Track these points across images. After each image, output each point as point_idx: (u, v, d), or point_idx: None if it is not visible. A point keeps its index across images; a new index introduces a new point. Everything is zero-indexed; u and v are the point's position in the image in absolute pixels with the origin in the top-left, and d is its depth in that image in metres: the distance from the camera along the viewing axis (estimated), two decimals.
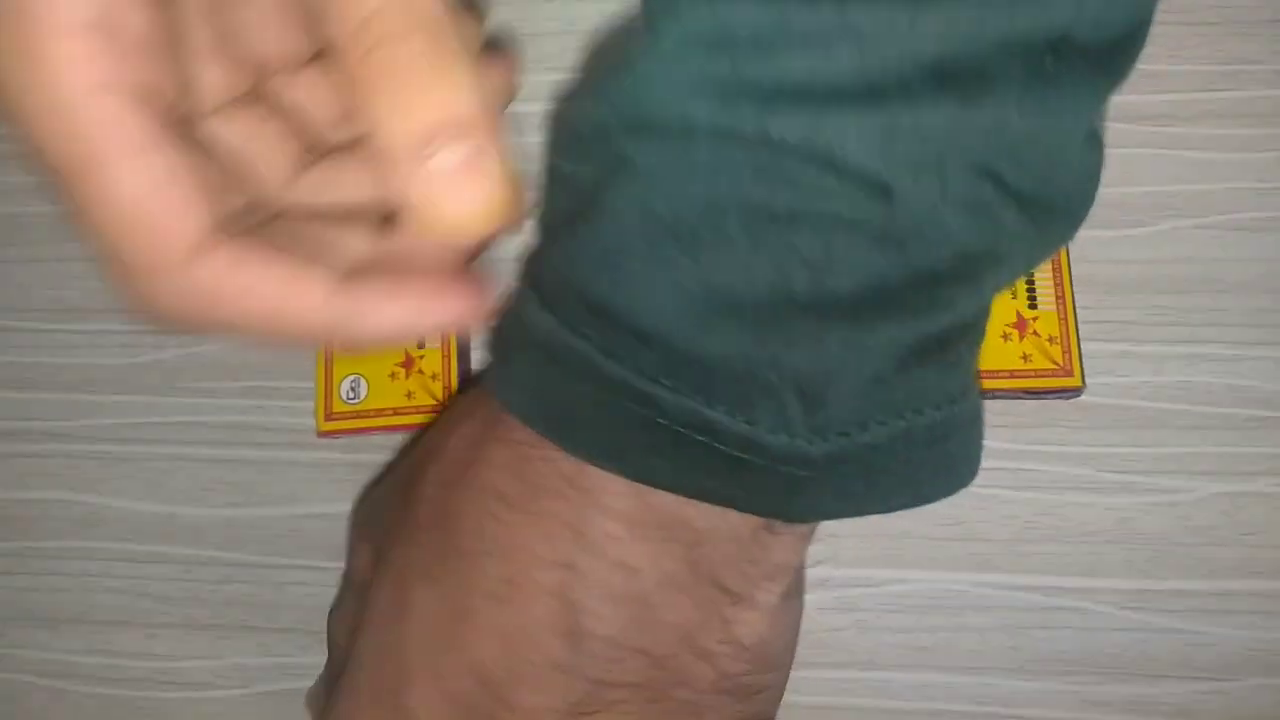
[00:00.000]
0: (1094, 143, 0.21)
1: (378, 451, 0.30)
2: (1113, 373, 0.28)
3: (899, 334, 0.20)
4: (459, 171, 0.18)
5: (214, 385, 0.31)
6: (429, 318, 0.21)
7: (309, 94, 0.24)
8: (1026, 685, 0.27)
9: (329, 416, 0.28)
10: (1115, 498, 0.28)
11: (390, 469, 0.26)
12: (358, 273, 0.21)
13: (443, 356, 0.28)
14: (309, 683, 0.30)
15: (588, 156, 0.21)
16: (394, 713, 0.22)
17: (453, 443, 0.23)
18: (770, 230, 0.19)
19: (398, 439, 0.30)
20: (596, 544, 0.21)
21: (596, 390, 0.21)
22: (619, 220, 0.20)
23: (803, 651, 0.28)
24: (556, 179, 0.23)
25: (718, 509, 0.21)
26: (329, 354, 0.29)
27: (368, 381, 0.28)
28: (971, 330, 0.22)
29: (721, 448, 0.20)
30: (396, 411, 0.28)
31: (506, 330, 0.23)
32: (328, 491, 0.30)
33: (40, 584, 0.31)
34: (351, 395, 0.28)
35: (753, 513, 0.21)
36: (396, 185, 0.18)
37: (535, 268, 0.23)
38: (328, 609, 0.29)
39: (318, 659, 0.29)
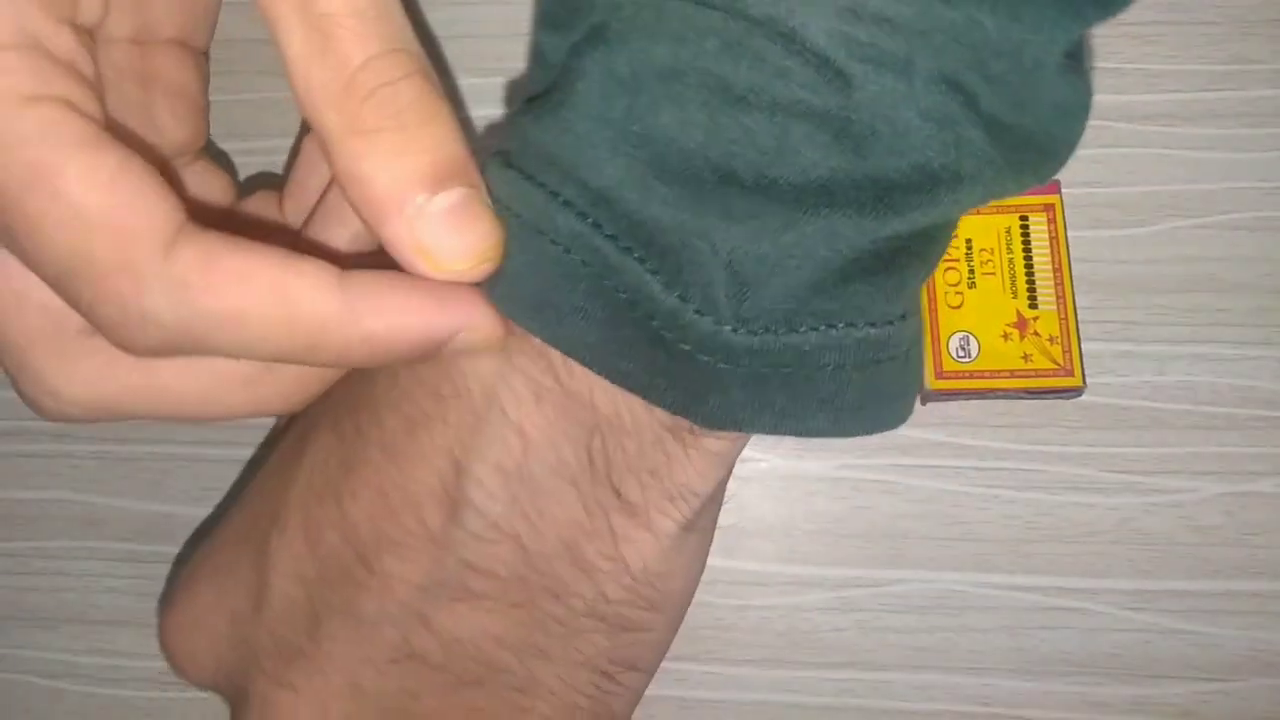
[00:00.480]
0: (1075, 76, 0.20)
1: None
2: (1115, 373, 0.28)
3: (843, 229, 0.19)
4: (454, 215, 0.18)
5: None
6: (441, 319, 0.19)
7: (198, 181, 0.24)
8: (1028, 686, 0.27)
9: None
10: (1118, 498, 0.28)
11: None
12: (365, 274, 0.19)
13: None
14: None
15: (570, 26, 0.20)
16: (256, 554, 0.22)
17: None
18: (726, 106, 0.18)
19: None
20: (500, 406, 0.20)
21: (541, 240, 0.19)
22: (584, 79, 0.19)
23: (804, 652, 0.28)
24: (536, 57, 0.21)
25: (627, 397, 0.20)
26: None
27: None
28: (920, 251, 0.20)
29: (652, 322, 0.19)
30: None
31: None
32: None
33: (41, 584, 0.31)
34: None
35: (664, 407, 0.19)
36: (388, 233, 0.18)
37: (504, 136, 0.21)
38: None
39: None
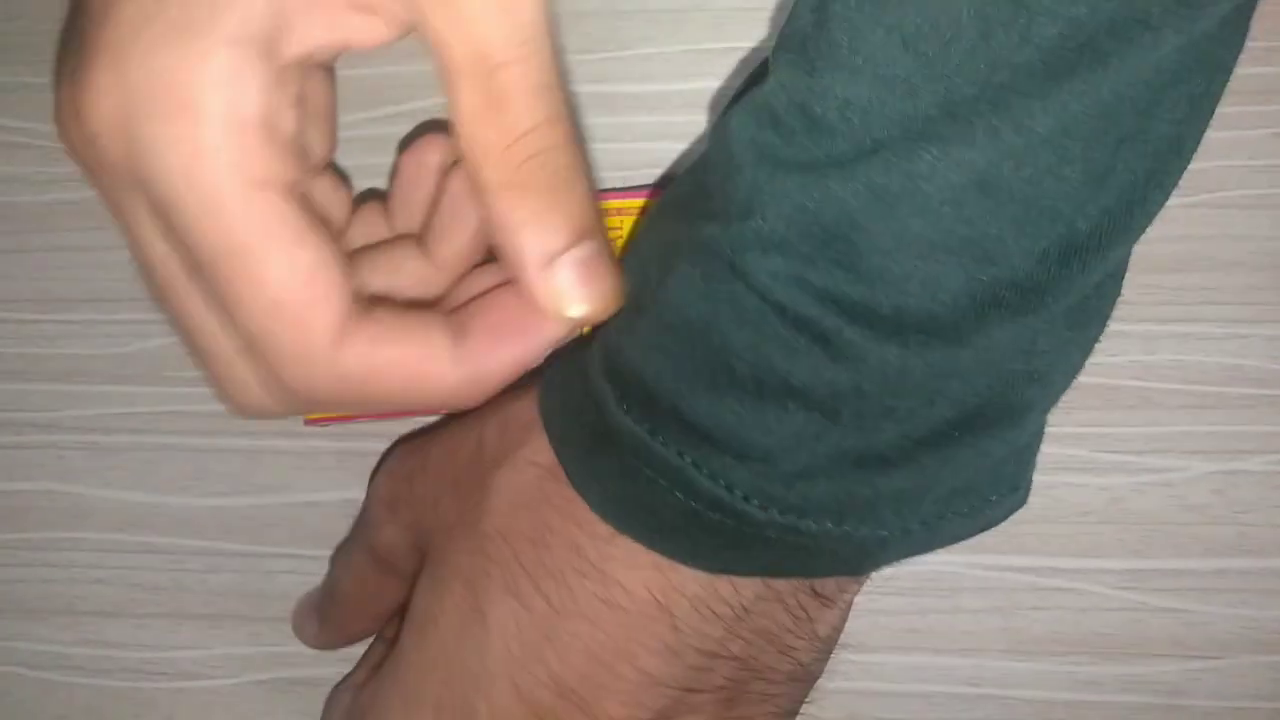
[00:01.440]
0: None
1: (365, 439, 0.30)
2: (1104, 352, 0.28)
3: (990, 448, 0.21)
4: (585, 268, 0.21)
5: (200, 374, 0.30)
6: (533, 354, 0.23)
7: (325, 195, 0.26)
8: (1020, 666, 0.27)
9: None
10: (1108, 478, 0.28)
11: (421, 448, 0.26)
12: (460, 326, 0.23)
13: None
14: (299, 671, 0.30)
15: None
16: None
17: (523, 464, 0.23)
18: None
19: (387, 426, 0.29)
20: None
21: (686, 501, 0.21)
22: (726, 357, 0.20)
23: None
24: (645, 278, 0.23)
25: None
26: None
27: None
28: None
29: (816, 551, 0.21)
30: None
31: (575, 406, 0.23)
32: (316, 480, 0.30)
33: (29, 575, 0.30)
34: None
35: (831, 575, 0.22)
36: (527, 278, 0.21)
37: (615, 359, 0.22)
38: None
39: (308, 648, 0.29)
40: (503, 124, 0.20)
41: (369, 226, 0.27)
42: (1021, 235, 0.18)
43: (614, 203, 0.27)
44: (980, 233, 0.18)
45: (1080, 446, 0.28)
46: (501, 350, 0.22)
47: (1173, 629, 0.27)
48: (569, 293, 0.21)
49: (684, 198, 0.23)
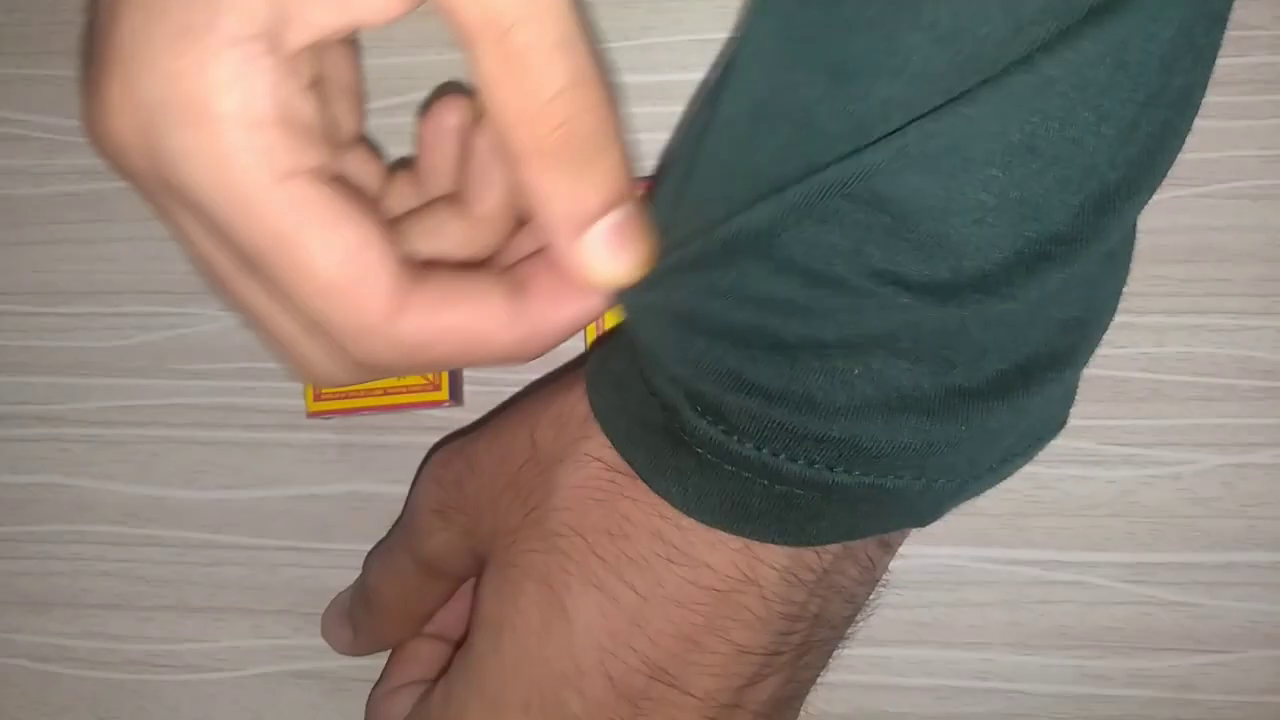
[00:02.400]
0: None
1: (368, 432, 0.29)
2: (1113, 344, 0.28)
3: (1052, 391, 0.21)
4: (615, 233, 0.21)
5: (204, 367, 0.30)
6: (591, 312, 0.23)
7: (359, 167, 0.26)
8: (1027, 660, 0.27)
9: (318, 397, 0.28)
10: (1116, 471, 0.27)
11: (465, 452, 0.26)
12: (516, 285, 0.23)
13: None
14: (303, 664, 0.30)
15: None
16: (552, 716, 0.22)
17: (587, 459, 0.23)
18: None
19: (390, 419, 0.29)
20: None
21: (772, 486, 0.21)
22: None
23: None
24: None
25: None
26: None
27: None
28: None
29: (896, 507, 0.21)
30: (386, 391, 0.28)
31: (638, 407, 0.23)
32: (319, 473, 0.30)
33: (33, 568, 0.30)
34: None
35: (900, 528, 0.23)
36: (559, 244, 0.21)
37: (677, 361, 0.22)
38: (321, 591, 0.29)
39: (312, 641, 0.29)
40: (525, 88, 0.20)
41: (403, 195, 0.27)
42: (1064, 192, 0.19)
43: None
44: (1029, 193, 0.19)
45: (1088, 439, 0.28)
46: (559, 309, 0.23)
47: (1181, 623, 0.27)
48: (601, 261, 0.21)
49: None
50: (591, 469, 0.23)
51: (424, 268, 0.22)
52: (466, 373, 0.29)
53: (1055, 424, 0.23)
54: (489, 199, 0.25)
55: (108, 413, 0.31)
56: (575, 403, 0.24)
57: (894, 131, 0.19)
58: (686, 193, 0.23)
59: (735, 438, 0.21)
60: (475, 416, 0.29)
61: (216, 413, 0.30)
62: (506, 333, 0.22)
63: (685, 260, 0.21)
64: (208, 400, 0.30)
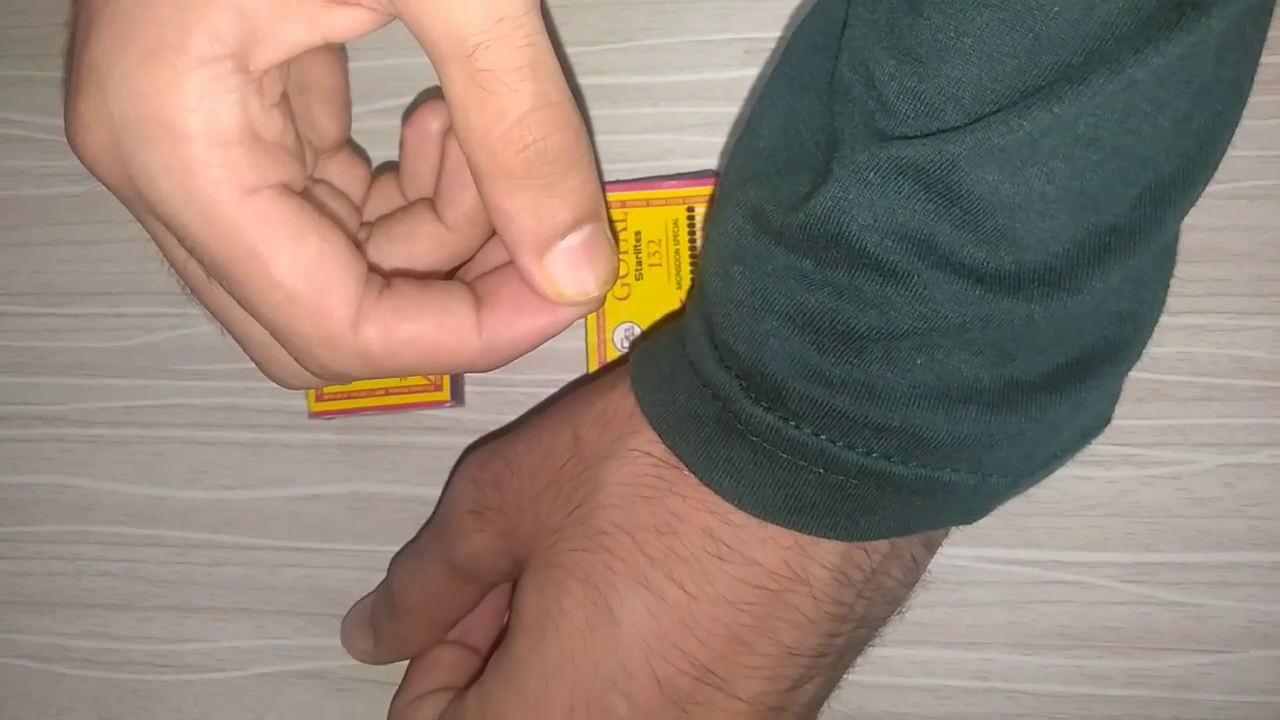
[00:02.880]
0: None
1: (369, 432, 0.30)
2: None
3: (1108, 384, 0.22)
4: (581, 251, 0.22)
5: (206, 368, 0.30)
6: (554, 328, 0.23)
7: (342, 172, 0.26)
8: (1027, 660, 0.27)
9: (320, 397, 0.28)
10: (1116, 470, 0.27)
11: (502, 453, 0.25)
12: (482, 295, 0.23)
13: None
14: (305, 664, 0.30)
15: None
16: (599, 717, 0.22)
17: (633, 455, 0.23)
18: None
19: (391, 419, 0.29)
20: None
21: (829, 475, 0.21)
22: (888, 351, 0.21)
23: None
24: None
25: None
26: None
27: None
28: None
29: (947, 502, 0.21)
30: (388, 391, 0.28)
31: (687, 399, 0.22)
32: (321, 473, 0.30)
33: (35, 568, 0.31)
34: None
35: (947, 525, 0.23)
36: (523, 264, 0.22)
37: (727, 349, 0.22)
38: (322, 591, 0.29)
39: (313, 641, 0.29)
40: (491, 110, 0.20)
41: (388, 197, 0.27)
42: (1122, 183, 0.19)
43: (618, 195, 0.27)
44: (1089, 185, 0.19)
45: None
46: (522, 323, 0.23)
47: (1181, 623, 0.27)
48: (565, 280, 0.22)
49: (761, 181, 0.22)
50: (638, 465, 0.23)
51: (389, 279, 0.23)
52: (468, 374, 0.30)
53: (1104, 420, 0.23)
54: (460, 206, 0.25)
55: (110, 413, 0.31)
56: (619, 400, 0.24)
57: (975, 121, 0.19)
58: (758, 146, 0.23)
59: (793, 423, 0.21)
60: (476, 416, 0.29)
61: (218, 413, 0.30)
62: (468, 344, 0.23)
63: (762, 229, 0.21)
64: (209, 401, 0.30)
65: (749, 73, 0.29)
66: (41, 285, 0.31)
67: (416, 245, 0.25)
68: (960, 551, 0.28)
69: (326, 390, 0.28)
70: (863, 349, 0.20)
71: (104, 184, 0.22)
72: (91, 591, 0.30)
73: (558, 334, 0.23)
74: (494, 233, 0.26)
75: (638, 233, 0.27)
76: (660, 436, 0.22)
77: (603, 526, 0.22)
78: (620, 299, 0.27)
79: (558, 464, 0.24)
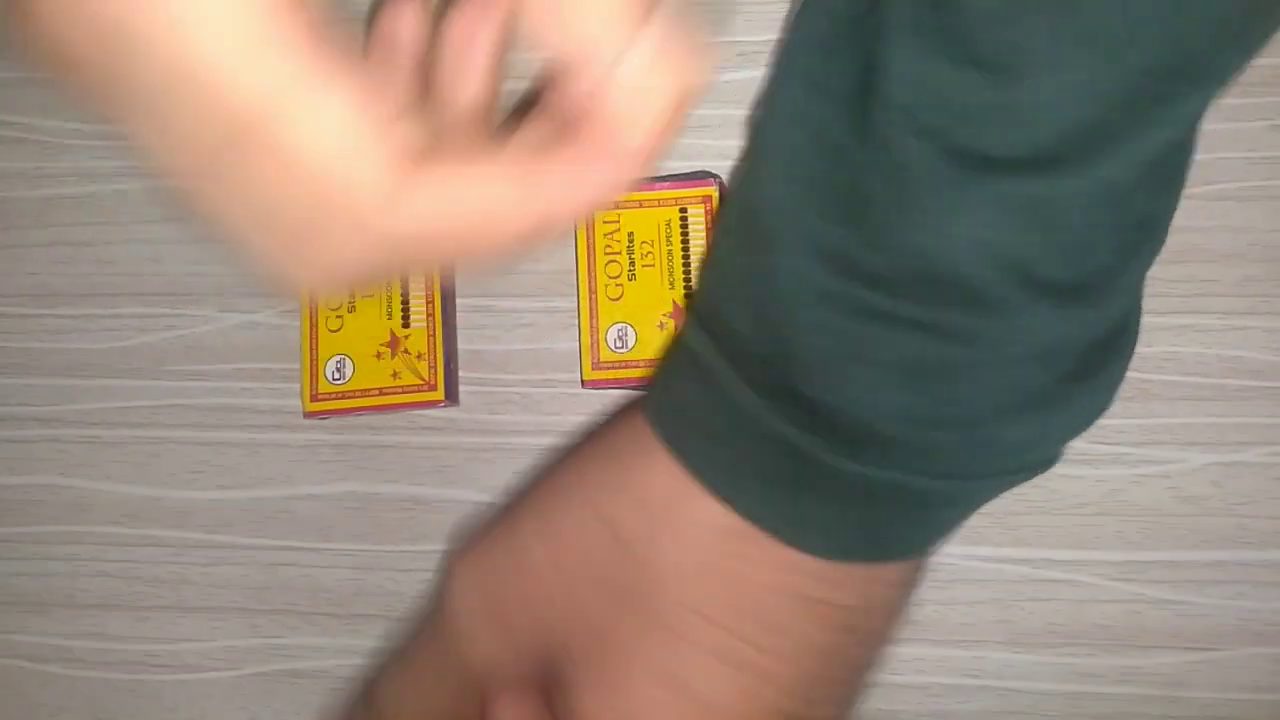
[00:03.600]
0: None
1: (365, 432, 0.30)
2: None
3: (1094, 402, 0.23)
4: (658, 55, 0.18)
5: (201, 368, 0.30)
6: (611, 187, 0.20)
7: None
8: (1018, 658, 0.27)
9: (315, 397, 0.28)
10: (1106, 469, 0.28)
11: (510, 547, 0.24)
12: (529, 164, 0.20)
13: (428, 336, 0.28)
14: (300, 664, 0.30)
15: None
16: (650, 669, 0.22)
17: (693, 531, 0.22)
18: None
19: (387, 419, 0.30)
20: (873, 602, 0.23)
21: (908, 511, 0.22)
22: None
23: None
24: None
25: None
26: (314, 335, 0.28)
27: (353, 362, 0.28)
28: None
29: (946, 511, 0.23)
30: (382, 391, 0.28)
31: (758, 462, 0.22)
32: (316, 473, 0.30)
33: (30, 568, 0.31)
34: (337, 376, 0.28)
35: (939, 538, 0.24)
36: (605, 82, 0.18)
37: (793, 408, 0.22)
38: (318, 590, 0.29)
39: (308, 640, 0.29)
40: None
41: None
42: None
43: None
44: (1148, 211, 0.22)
45: (1078, 438, 0.28)
46: (575, 187, 0.20)
47: (1171, 621, 0.27)
48: (649, 79, 0.19)
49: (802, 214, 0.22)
50: (703, 539, 0.22)
51: (424, 149, 0.19)
52: (462, 373, 0.30)
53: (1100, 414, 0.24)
54: (471, 86, 0.22)
55: (106, 414, 0.31)
56: (655, 480, 0.23)
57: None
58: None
59: (885, 467, 0.21)
60: (470, 416, 0.29)
61: (214, 413, 0.30)
62: (514, 219, 0.19)
63: (840, 270, 0.21)
64: (205, 401, 0.30)
65: (742, 75, 0.29)
66: (37, 286, 0.31)
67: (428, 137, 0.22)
68: (951, 550, 0.28)
69: (321, 390, 0.28)
70: (954, 379, 0.21)
71: (62, 65, 0.17)
72: (87, 591, 0.30)
73: (611, 200, 0.20)
74: (517, 118, 0.22)
75: (631, 234, 0.28)
76: (727, 502, 0.22)
77: (673, 611, 0.22)
78: (613, 300, 0.27)
79: (599, 559, 0.23)
